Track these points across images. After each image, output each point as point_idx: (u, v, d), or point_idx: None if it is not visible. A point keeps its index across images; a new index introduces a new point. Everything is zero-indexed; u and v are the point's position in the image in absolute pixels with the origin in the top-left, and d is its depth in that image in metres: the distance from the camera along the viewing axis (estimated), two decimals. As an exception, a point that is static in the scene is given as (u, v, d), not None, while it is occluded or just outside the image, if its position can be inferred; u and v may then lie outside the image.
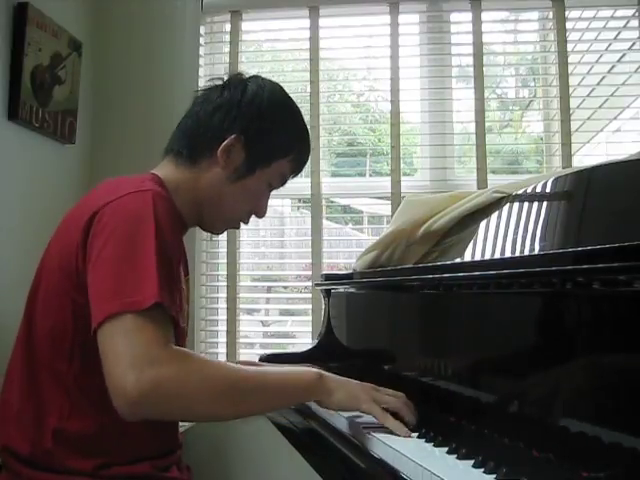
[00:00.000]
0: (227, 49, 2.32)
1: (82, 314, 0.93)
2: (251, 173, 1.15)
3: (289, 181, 1.27)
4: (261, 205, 1.23)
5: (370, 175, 2.55)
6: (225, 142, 1.13)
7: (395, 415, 0.94)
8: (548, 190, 0.98)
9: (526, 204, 1.03)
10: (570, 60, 2.16)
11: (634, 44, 2.18)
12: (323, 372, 0.98)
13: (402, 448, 0.81)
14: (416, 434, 0.88)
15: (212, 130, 1.14)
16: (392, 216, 1.70)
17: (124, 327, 0.87)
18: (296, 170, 1.23)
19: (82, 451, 0.98)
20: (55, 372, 1.00)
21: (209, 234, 2.31)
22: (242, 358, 2.25)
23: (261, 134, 1.15)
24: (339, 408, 0.98)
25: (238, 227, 1.27)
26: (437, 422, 0.91)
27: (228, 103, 1.16)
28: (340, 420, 1.03)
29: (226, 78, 1.22)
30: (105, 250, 0.93)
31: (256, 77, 1.22)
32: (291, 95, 1.23)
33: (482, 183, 2.13)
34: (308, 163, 2.31)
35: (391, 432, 0.90)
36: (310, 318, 2.17)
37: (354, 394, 0.96)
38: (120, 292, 0.89)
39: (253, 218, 1.25)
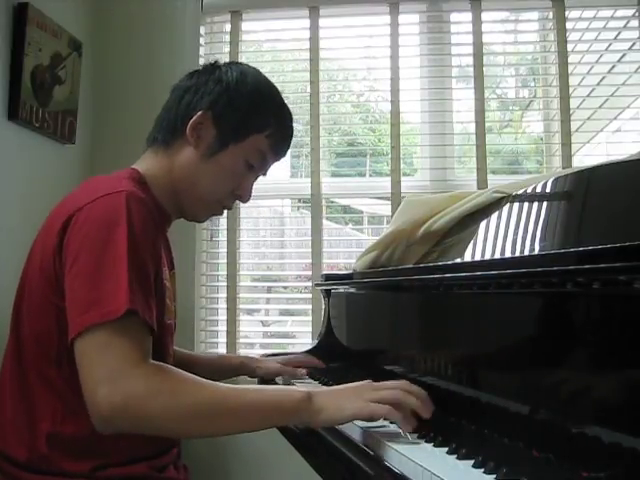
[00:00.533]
0: (227, 49, 2.32)
1: (65, 319, 0.93)
2: (224, 148, 1.13)
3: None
4: (243, 186, 1.19)
5: (370, 175, 2.55)
6: (193, 119, 1.11)
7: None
8: (548, 190, 0.98)
9: (526, 204, 1.03)
10: (570, 60, 2.16)
11: (634, 44, 2.18)
12: (313, 391, 0.92)
13: (402, 448, 0.81)
14: (416, 434, 0.88)
15: (180, 111, 1.14)
16: (392, 216, 1.70)
17: (98, 341, 0.87)
18: (276, 148, 1.19)
19: (78, 454, 0.98)
20: (45, 377, 1.00)
21: (209, 234, 2.32)
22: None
23: (230, 107, 1.13)
24: (333, 424, 0.92)
25: (221, 213, 1.24)
26: (437, 422, 0.91)
27: (195, 85, 1.15)
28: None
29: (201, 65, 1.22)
30: (79, 258, 0.93)
31: (231, 62, 1.21)
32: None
33: (482, 183, 2.13)
34: (308, 163, 2.31)
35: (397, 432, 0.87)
36: (310, 318, 2.17)
37: (344, 406, 0.89)
38: (92, 303, 0.89)
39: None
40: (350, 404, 0.89)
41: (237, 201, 1.25)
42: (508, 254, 0.96)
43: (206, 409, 0.89)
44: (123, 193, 0.98)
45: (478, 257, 1.06)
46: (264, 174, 1.24)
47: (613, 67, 2.24)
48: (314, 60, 2.26)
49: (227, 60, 1.24)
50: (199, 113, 1.12)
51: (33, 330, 1.01)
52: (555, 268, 0.73)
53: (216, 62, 1.21)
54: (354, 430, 0.95)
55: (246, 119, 1.14)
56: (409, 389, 0.91)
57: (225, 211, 1.24)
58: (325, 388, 0.95)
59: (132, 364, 0.87)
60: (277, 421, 0.96)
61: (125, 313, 0.87)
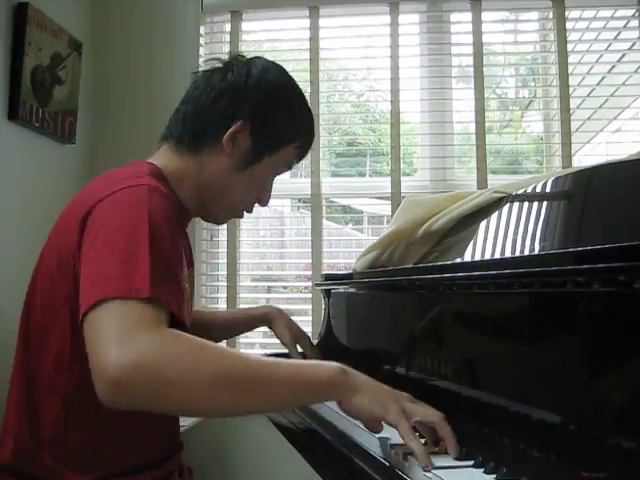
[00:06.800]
0: (227, 49, 2.32)
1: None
2: (258, 161, 1.11)
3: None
4: (266, 193, 1.18)
5: (370, 175, 2.55)
6: (231, 129, 1.08)
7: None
8: (548, 190, 0.98)
9: (526, 204, 1.03)
10: (570, 60, 2.16)
11: (634, 44, 2.18)
12: (348, 368, 0.85)
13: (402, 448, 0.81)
14: (416, 434, 0.88)
15: (216, 116, 1.09)
16: (392, 216, 1.70)
17: (114, 309, 0.78)
18: (301, 156, 1.19)
19: (80, 464, 0.95)
20: (54, 384, 0.97)
21: (209, 234, 2.32)
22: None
23: (268, 120, 1.10)
24: (361, 413, 0.83)
25: (242, 216, 1.22)
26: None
27: (232, 88, 1.10)
28: (340, 419, 1.03)
29: (227, 59, 1.17)
30: (96, 245, 0.87)
31: (258, 58, 1.18)
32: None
33: (482, 183, 2.13)
34: (308, 163, 2.32)
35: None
36: (310, 318, 2.17)
37: (382, 400, 0.81)
38: (111, 279, 0.81)
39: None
40: (392, 404, 0.81)
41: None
42: (508, 254, 0.96)
43: (232, 378, 0.78)
44: (145, 187, 0.93)
45: (478, 257, 1.06)
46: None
47: (613, 67, 2.24)
48: (314, 60, 2.26)
49: (250, 55, 1.19)
50: (238, 123, 1.08)
51: (45, 334, 0.97)
52: (555, 268, 0.73)
53: (242, 55, 1.18)
54: (354, 430, 0.95)
55: (283, 132, 1.12)
56: (445, 422, 0.81)
57: None
58: (358, 372, 0.86)
59: (148, 327, 0.77)
60: (311, 397, 0.85)
61: (147, 297, 0.79)
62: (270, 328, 1.42)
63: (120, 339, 0.74)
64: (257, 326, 1.47)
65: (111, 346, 0.74)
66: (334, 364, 0.84)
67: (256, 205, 1.21)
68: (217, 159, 1.10)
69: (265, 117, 1.10)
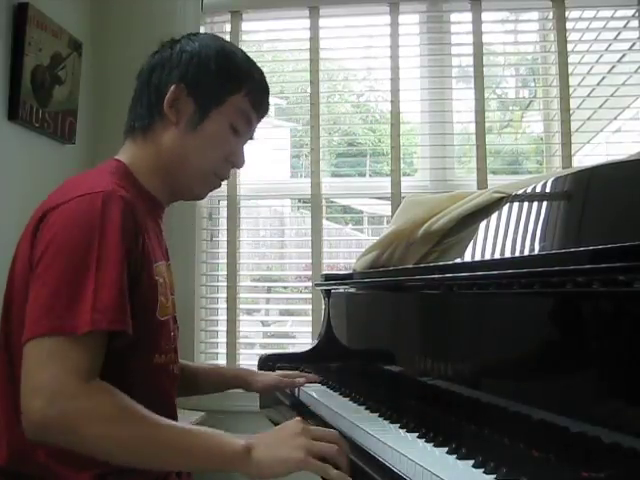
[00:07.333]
0: (227, 49, 2.32)
1: None
2: (206, 116, 1.09)
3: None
4: (234, 152, 1.15)
5: (370, 175, 2.56)
6: (167, 95, 1.08)
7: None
8: (548, 190, 0.98)
9: (526, 204, 1.03)
10: (570, 60, 2.16)
11: (634, 44, 2.19)
12: (255, 443, 0.87)
13: (402, 448, 0.81)
14: (416, 434, 0.88)
15: (152, 91, 1.11)
16: (392, 216, 1.70)
17: (47, 350, 0.83)
18: (257, 106, 1.16)
19: (76, 463, 0.94)
20: None
21: (209, 234, 2.32)
22: (242, 358, 2.26)
23: (201, 74, 1.09)
24: (274, 476, 0.87)
25: (218, 185, 1.19)
26: (437, 422, 0.91)
27: (160, 61, 1.12)
28: (340, 420, 1.03)
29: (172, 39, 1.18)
30: (43, 262, 0.89)
31: (189, 34, 1.18)
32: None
33: (482, 183, 2.13)
34: (308, 163, 2.31)
35: None
36: (310, 318, 2.17)
37: (283, 457, 0.85)
38: (52, 313, 0.85)
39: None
40: (294, 454, 0.85)
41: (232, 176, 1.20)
42: (508, 254, 0.96)
43: (138, 443, 0.86)
44: (100, 194, 0.93)
45: (478, 257, 1.06)
46: (251, 137, 1.20)
47: (613, 67, 2.24)
48: (314, 60, 2.26)
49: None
50: (172, 88, 1.08)
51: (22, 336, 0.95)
52: (555, 268, 0.73)
53: (173, 38, 1.17)
54: (353, 430, 0.95)
55: (220, 81, 1.10)
56: (341, 444, 0.88)
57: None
58: (262, 435, 0.90)
59: (75, 379, 0.83)
60: (212, 466, 0.90)
61: (86, 333, 0.83)
62: (248, 390, 1.40)
63: (45, 388, 0.82)
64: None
65: (36, 394, 0.82)
66: (240, 443, 0.87)
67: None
68: (167, 132, 1.10)
69: (197, 73, 1.09)
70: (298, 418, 0.92)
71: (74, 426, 0.82)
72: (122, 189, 0.98)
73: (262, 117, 1.20)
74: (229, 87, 1.11)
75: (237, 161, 1.17)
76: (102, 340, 0.88)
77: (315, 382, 1.40)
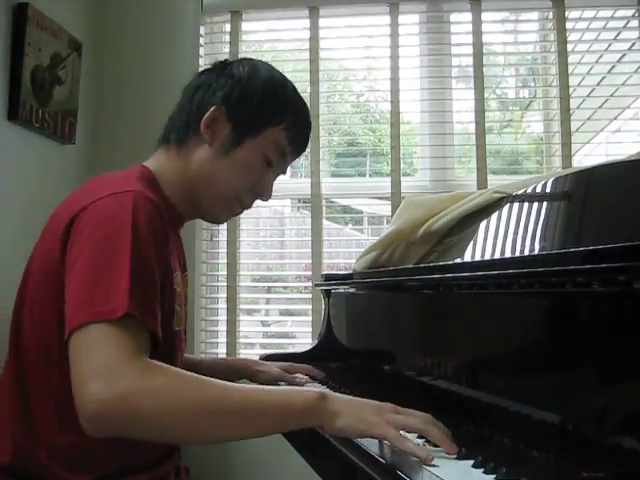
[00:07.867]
0: (227, 49, 2.32)
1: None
2: (240, 143, 1.09)
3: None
4: (262, 183, 1.15)
5: (370, 175, 2.55)
6: (206, 115, 1.08)
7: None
8: (548, 190, 0.98)
9: (526, 204, 1.03)
10: (570, 60, 2.16)
11: (634, 44, 2.18)
12: (327, 392, 0.85)
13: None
14: (415, 433, 0.88)
15: (193, 108, 1.11)
16: (392, 216, 1.70)
17: (92, 337, 0.81)
18: (294, 141, 1.15)
19: (76, 465, 0.95)
20: (46, 385, 0.97)
21: (209, 235, 2.32)
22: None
23: (243, 100, 1.09)
24: (346, 434, 0.84)
25: (239, 212, 1.20)
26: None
27: (207, 80, 1.12)
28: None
29: (225, 60, 1.19)
30: (80, 259, 0.88)
31: (243, 58, 1.18)
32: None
33: (482, 183, 2.13)
34: (308, 163, 2.31)
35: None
36: (310, 318, 2.17)
37: (363, 417, 0.81)
38: (90, 302, 0.84)
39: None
40: (374, 418, 0.81)
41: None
42: (508, 254, 0.96)
43: (211, 410, 0.80)
44: (131, 193, 0.93)
45: (478, 257, 1.06)
46: (284, 172, 1.20)
47: (613, 67, 2.24)
48: (314, 60, 2.26)
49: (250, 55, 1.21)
50: (212, 109, 1.08)
51: (35, 337, 0.98)
52: (555, 268, 0.73)
53: (227, 60, 1.18)
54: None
55: (260, 112, 1.10)
56: (433, 422, 0.82)
57: None
58: (338, 394, 0.87)
59: (126, 359, 0.79)
60: (290, 424, 0.86)
61: (123, 316, 0.81)
62: (252, 380, 1.39)
63: (98, 373, 0.78)
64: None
65: (88, 380, 0.78)
66: (313, 390, 0.85)
67: (260, 202, 1.19)
68: (200, 150, 1.10)
69: (239, 99, 1.09)
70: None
71: (135, 404, 0.77)
72: (150, 193, 0.98)
73: (299, 153, 1.19)
74: (268, 119, 1.11)
75: (263, 192, 1.17)
76: (143, 331, 0.85)
77: (318, 378, 1.40)
